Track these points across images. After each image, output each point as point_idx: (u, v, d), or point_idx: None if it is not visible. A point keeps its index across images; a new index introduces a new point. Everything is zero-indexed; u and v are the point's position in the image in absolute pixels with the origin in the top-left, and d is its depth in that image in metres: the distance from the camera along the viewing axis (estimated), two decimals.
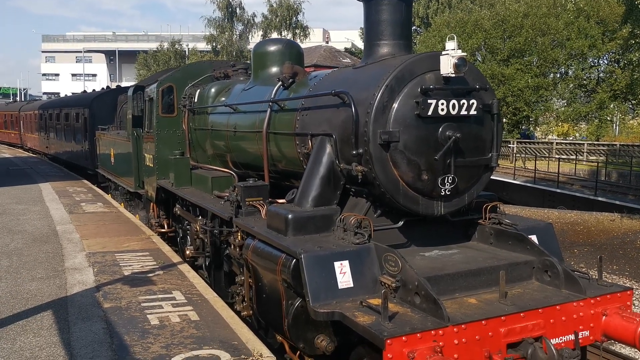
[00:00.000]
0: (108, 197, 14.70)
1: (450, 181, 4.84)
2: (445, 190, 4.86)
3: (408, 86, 4.67)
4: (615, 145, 32.76)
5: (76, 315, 5.68)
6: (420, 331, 3.72)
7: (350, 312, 4.04)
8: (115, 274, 7.18)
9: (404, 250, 4.95)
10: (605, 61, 34.41)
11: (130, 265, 7.56)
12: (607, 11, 31.19)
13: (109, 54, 78.37)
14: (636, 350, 4.33)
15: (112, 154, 13.96)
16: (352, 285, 4.32)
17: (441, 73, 4.64)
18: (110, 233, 9.77)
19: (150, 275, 7.10)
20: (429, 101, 4.64)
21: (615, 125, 38.59)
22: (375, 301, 4.07)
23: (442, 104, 4.68)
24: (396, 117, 4.65)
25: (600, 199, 20.83)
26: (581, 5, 32.02)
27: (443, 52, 4.65)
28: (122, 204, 13.59)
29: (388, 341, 3.60)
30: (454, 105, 4.73)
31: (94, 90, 23.84)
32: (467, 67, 4.62)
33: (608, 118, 34.16)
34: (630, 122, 38.22)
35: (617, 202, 19.87)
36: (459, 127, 4.74)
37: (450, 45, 4.59)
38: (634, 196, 20.76)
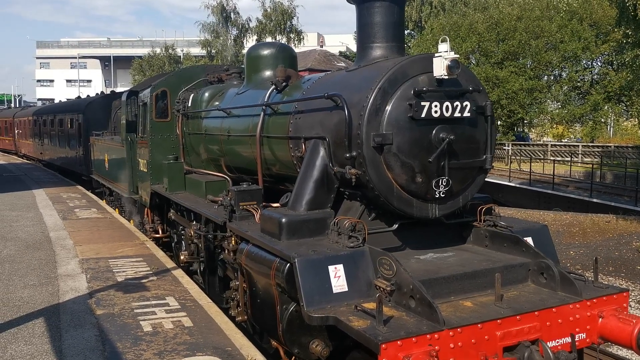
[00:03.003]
0: (102, 202, 14.61)
1: (444, 183, 4.81)
2: (439, 193, 4.83)
3: (401, 88, 4.65)
4: (610, 146, 32.89)
5: (68, 323, 5.62)
6: (415, 335, 3.67)
7: (344, 316, 4.00)
8: (109, 280, 7.12)
9: (399, 253, 4.91)
10: (599, 63, 34.58)
11: (123, 271, 7.50)
12: (600, 14, 31.33)
13: (104, 60, 78.15)
14: (632, 352, 4.29)
15: (106, 159, 13.86)
16: (346, 289, 4.27)
17: (434, 75, 4.62)
18: (104, 239, 9.70)
19: (144, 281, 7.04)
20: (422, 103, 4.61)
21: (610, 127, 38.77)
22: (370, 305, 4.03)
23: (436, 106, 4.66)
24: (389, 120, 4.62)
25: (595, 200, 20.87)
26: (574, 7, 32.14)
27: (436, 54, 4.62)
28: (117, 209, 13.51)
29: (383, 346, 3.55)
30: (447, 107, 4.71)
31: (88, 96, 23.75)
32: (460, 69, 4.60)
33: (602, 120, 34.31)
34: (625, 123, 38.39)
35: (612, 204, 19.92)
36: (452, 129, 4.71)
37: (443, 47, 4.57)
38: (628, 197, 20.80)
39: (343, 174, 4.88)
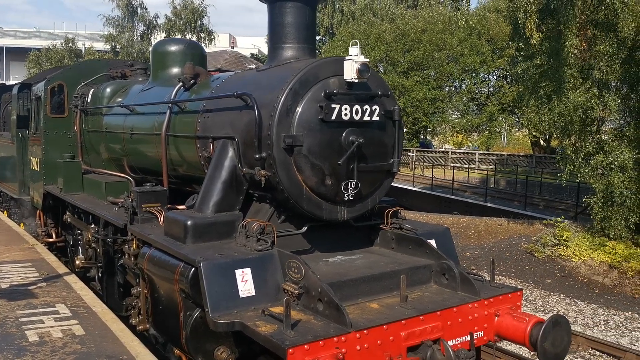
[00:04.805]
0: None
1: (353, 186, 4.84)
2: (348, 196, 4.85)
3: (312, 90, 4.63)
4: (503, 155, 35.23)
5: None
6: (322, 338, 3.65)
7: (251, 321, 3.91)
8: None
9: (308, 256, 4.89)
10: (495, 77, 36.93)
11: (8, 277, 6.89)
12: (496, 30, 33.49)
13: None
14: (525, 348, 4.55)
15: None
16: (254, 293, 4.19)
17: (344, 78, 4.64)
18: None
19: (32, 287, 6.51)
20: (333, 106, 4.62)
21: (503, 137, 41.48)
22: (279, 309, 3.96)
23: (346, 108, 4.68)
24: (300, 121, 4.59)
25: (489, 204, 22.22)
26: (472, 24, 34.12)
27: (346, 58, 4.65)
28: (5, 211, 12.47)
29: (290, 350, 3.50)
30: (357, 110, 4.75)
31: None
32: (369, 73, 4.66)
33: (497, 129, 36.64)
34: (517, 133, 41.26)
35: (505, 208, 21.31)
36: (362, 133, 4.76)
37: (354, 50, 4.60)
38: (519, 202, 22.34)
39: (252, 175, 4.78)
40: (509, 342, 6.73)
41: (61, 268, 7.47)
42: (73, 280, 6.91)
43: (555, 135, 22.26)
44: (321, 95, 4.62)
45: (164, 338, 5.28)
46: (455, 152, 37.28)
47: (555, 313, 11.27)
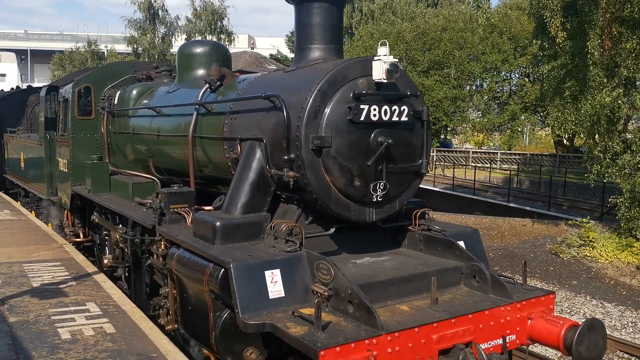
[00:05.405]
0: (17, 204, 13.67)
1: (382, 187, 4.81)
2: (377, 197, 4.82)
3: (340, 91, 4.61)
4: (526, 154, 34.77)
5: None
6: (354, 341, 3.64)
7: (281, 322, 3.91)
8: (23, 285, 6.63)
9: (336, 257, 4.87)
10: (517, 75, 36.45)
11: (39, 276, 7.01)
12: (518, 28, 33.06)
13: (20, 54, 73.42)
14: (558, 352, 4.47)
15: (22, 158, 13.05)
16: (283, 294, 4.18)
17: (373, 78, 4.61)
18: (18, 242, 9.05)
19: (62, 286, 6.62)
20: (362, 106, 4.60)
21: (526, 136, 40.93)
22: (308, 311, 3.96)
23: (375, 109, 4.66)
24: (328, 122, 4.57)
25: (512, 205, 21.92)
26: (494, 22, 33.72)
27: (375, 58, 4.63)
28: (33, 211, 12.70)
29: (321, 352, 3.49)
30: (385, 111, 4.72)
31: (2, 90, 22.17)
32: (398, 73, 4.62)
33: (519, 129, 36.15)
34: (539, 132, 40.68)
35: (528, 208, 21.00)
36: (390, 133, 4.73)
37: (383, 50, 4.58)
38: (542, 202, 22.01)
39: (280, 176, 4.78)
40: (535, 345, 6.63)
41: (90, 267, 7.58)
42: (102, 279, 7.00)
43: (581, 136, 21.86)
44: (350, 96, 4.60)
45: (193, 338, 5.31)
46: (476, 152, 36.91)
47: (582, 315, 11.10)
